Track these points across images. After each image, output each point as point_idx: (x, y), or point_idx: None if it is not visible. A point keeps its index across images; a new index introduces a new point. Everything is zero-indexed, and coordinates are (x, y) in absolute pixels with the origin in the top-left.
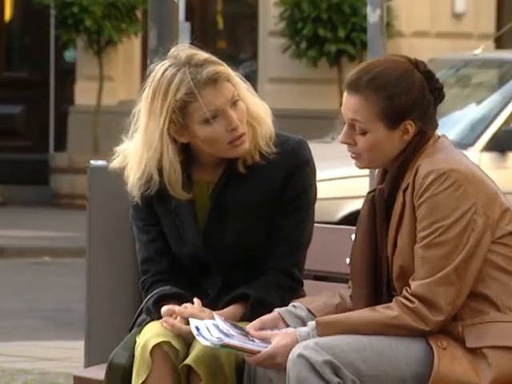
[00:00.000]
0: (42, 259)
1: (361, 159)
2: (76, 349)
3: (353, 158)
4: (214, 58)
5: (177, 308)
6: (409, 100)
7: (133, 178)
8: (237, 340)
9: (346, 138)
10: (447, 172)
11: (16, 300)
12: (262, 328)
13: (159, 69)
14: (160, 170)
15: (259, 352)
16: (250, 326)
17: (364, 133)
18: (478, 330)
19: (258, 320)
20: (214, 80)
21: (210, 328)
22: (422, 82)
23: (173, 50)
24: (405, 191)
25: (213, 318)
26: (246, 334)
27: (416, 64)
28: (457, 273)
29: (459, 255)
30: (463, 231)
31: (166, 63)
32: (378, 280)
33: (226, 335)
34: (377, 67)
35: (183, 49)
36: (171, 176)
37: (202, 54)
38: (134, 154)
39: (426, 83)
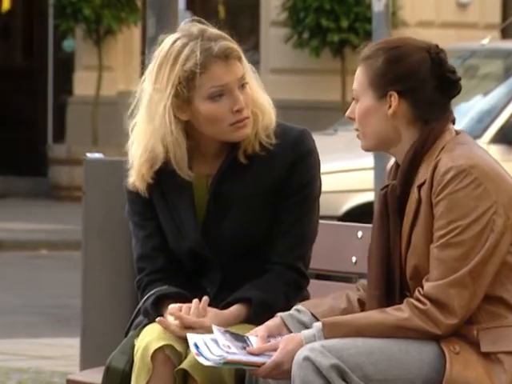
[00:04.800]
0: (39, 253)
1: (360, 136)
2: (73, 347)
3: (358, 137)
4: (227, 35)
5: (180, 314)
6: (398, 69)
7: (138, 161)
8: (239, 354)
9: (349, 112)
10: (467, 169)
11: (12, 295)
12: (268, 335)
13: (168, 41)
14: (164, 149)
15: (264, 363)
16: (258, 334)
17: (357, 101)
18: (494, 335)
19: (263, 327)
20: (226, 55)
21: (210, 345)
22: (425, 60)
23: (183, 25)
24: (420, 187)
25: (212, 326)
26: (247, 348)
27: (429, 46)
28: (472, 275)
29: (476, 257)
30: (482, 232)
31: (175, 35)
32: (392, 280)
33: (227, 352)
34: (388, 40)
35: (195, 24)
36: (176, 151)
37: (215, 30)
38: (138, 131)
39: (431, 65)
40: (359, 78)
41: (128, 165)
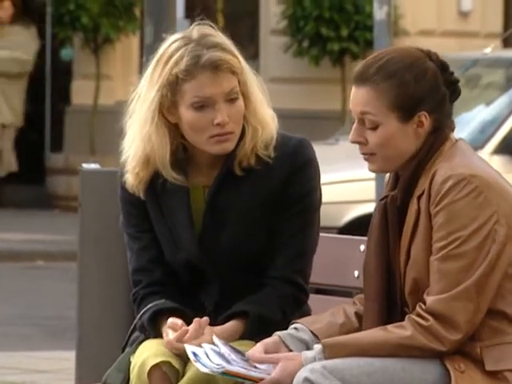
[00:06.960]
0: (36, 263)
1: (374, 160)
2: (69, 360)
3: (365, 159)
4: (229, 45)
5: (175, 334)
6: (422, 88)
7: (130, 161)
8: (239, 366)
9: (356, 136)
10: (467, 177)
11: (7, 306)
12: (266, 352)
13: (167, 42)
14: (150, 148)
15: (263, 379)
16: (253, 352)
17: (375, 127)
18: (497, 352)
19: (259, 344)
20: (215, 66)
21: (210, 354)
22: (435, 71)
23: (192, 27)
24: (419, 198)
25: (211, 341)
26: (248, 360)
27: (428, 54)
28: (476, 288)
29: (479, 268)
30: (483, 242)
31: (175, 37)
32: (391, 294)
33: (227, 361)
34: (386, 56)
35: (202, 27)
36: (159, 150)
37: (218, 38)
38: (129, 132)
39: (439, 74)
40: (374, 103)
41: (122, 167)
